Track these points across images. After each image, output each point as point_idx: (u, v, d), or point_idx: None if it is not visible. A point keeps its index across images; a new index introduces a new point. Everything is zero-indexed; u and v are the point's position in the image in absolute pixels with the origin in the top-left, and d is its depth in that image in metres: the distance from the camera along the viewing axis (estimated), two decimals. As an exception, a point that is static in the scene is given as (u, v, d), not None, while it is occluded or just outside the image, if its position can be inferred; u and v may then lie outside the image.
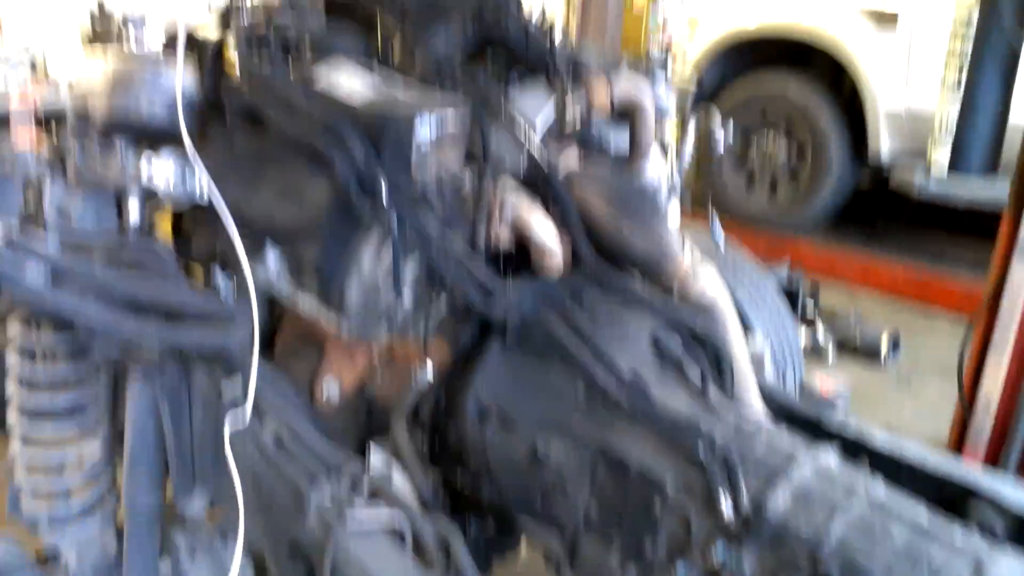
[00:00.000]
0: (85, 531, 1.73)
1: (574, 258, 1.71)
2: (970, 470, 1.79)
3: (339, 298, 1.55)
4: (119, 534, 1.77)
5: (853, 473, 1.51)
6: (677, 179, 1.98)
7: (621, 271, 1.83)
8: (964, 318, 4.89)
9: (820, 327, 4.46)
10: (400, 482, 1.68)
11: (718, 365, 1.78)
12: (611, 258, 1.75)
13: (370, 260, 1.53)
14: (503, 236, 1.64)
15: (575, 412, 1.62)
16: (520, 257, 1.72)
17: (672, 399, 1.62)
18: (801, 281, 4.46)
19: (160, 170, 1.45)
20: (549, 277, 1.70)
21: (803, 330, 4.43)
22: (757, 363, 2.14)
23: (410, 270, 1.57)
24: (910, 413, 3.91)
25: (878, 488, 1.48)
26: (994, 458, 2.88)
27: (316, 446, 1.55)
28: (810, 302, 4.58)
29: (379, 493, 1.49)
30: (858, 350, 4.41)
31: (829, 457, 1.54)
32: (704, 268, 1.88)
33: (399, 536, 1.45)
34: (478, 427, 1.68)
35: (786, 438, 1.58)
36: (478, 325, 1.72)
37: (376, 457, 1.77)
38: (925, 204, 5.61)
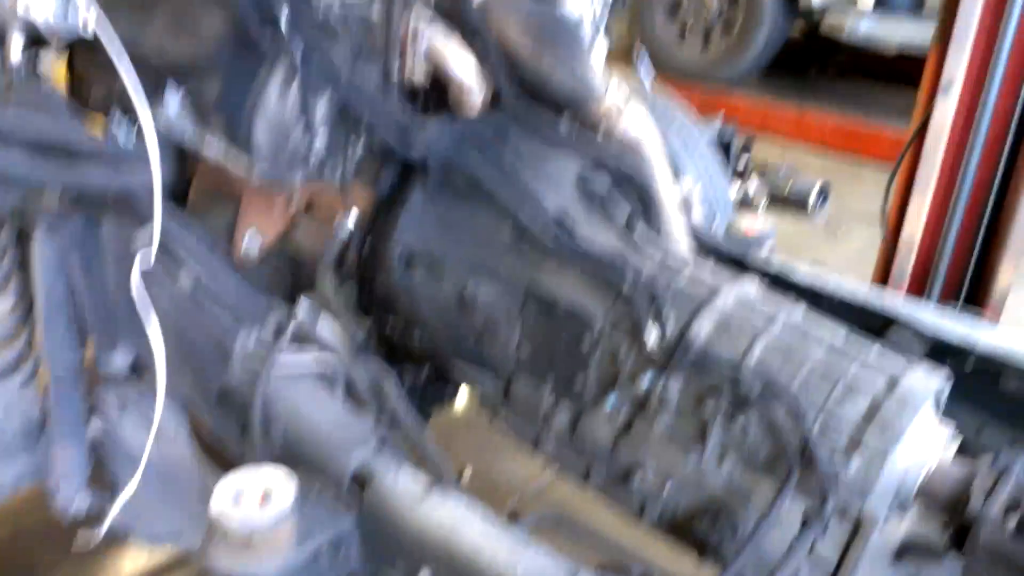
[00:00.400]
0: (4, 394, 1.68)
1: (494, 95, 1.65)
2: (890, 298, 1.84)
3: (247, 139, 1.48)
4: (46, 391, 1.74)
5: (774, 301, 1.54)
6: (602, 14, 1.90)
7: (544, 109, 1.78)
8: (892, 167, 5.02)
9: (752, 180, 4.49)
10: (330, 326, 1.66)
11: (645, 205, 1.77)
12: (533, 95, 1.69)
13: (276, 97, 1.45)
14: (418, 71, 1.57)
15: (502, 254, 1.60)
16: (437, 95, 1.65)
17: (599, 237, 1.61)
18: (734, 134, 4.45)
19: (40, 2, 1.33)
20: (469, 115, 1.64)
21: (735, 184, 4.46)
22: (686, 206, 2.13)
23: (321, 108, 1.50)
24: (836, 259, 4.02)
25: (797, 313, 1.51)
26: (917, 295, 2.98)
27: (237, 292, 1.51)
28: (743, 155, 4.59)
29: (307, 339, 1.47)
30: (788, 202, 4.46)
31: (751, 287, 1.57)
32: (630, 106, 1.84)
33: (330, 381, 1.44)
34: (405, 274, 1.65)
35: (710, 271, 1.59)
36: (399, 168, 1.67)
37: (303, 306, 1.75)
38: (855, 53, 5.60)
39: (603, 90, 1.74)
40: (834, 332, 1.47)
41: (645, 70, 2.23)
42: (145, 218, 1.48)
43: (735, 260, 1.97)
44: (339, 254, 1.75)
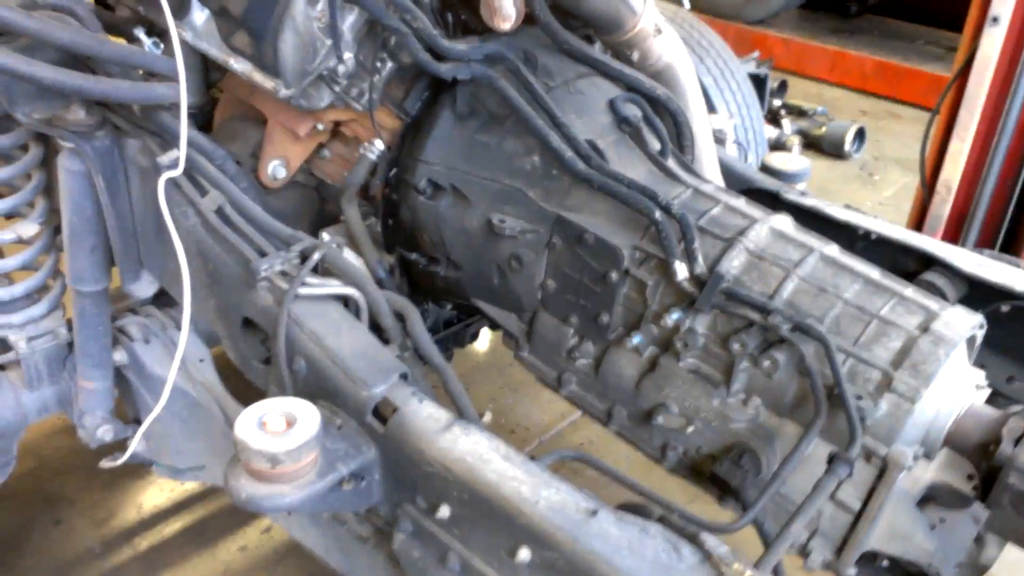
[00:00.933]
0: (32, 317, 1.69)
1: (527, 15, 1.59)
2: (926, 239, 1.79)
3: (273, 57, 1.44)
4: (69, 322, 1.74)
5: (808, 236, 1.50)
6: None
7: (577, 29, 1.72)
8: (930, 111, 4.88)
9: (786, 121, 4.39)
10: (354, 260, 1.64)
11: (677, 134, 1.72)
12: (567, 14, 1.63)
13: (304, 10, 1.41)
14: (449, -12, 1.52)
15: (530, 182, 1.56)
16: (468, 12, 1.60)
17: (630, 167, 1.57)
18: (768, 73, 4.33)
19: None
20: (500, 35, 1.59)
21: (769, 125, 4.36)
22: (719, 139, 2.08)
23: (349, 24, 1.45)
24: (871, 204, 3.94)
25: (832, 249, 1.47)
26: (952, 243, 2.91)
27: (262, 220, 1.49)
28: (778, 95, 4.48)
29: (332, 269, 1.45)
30: (823, 144, 4.37)
31: (785, 222, 1.52)
32: (666, 31, 1.77)
33: (353, 311, 1.42)
34: (431, 202, 1.63)
35: (743, 205, 1.55)
36: (427, 91, 1.62)
37: (328, 236, 1.73)
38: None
39: (639, 10, 1.68)
40: (868, 269, 1.43)
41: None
42: (170, 138, 1.45)
43: (768, 195, 1.92)
44: (365, 183, 1.72)
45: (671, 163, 1.62)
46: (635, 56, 1.75)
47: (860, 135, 4.36)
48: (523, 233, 1.57)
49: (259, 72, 1.48)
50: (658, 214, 1.44)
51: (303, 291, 1.38)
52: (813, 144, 4.41)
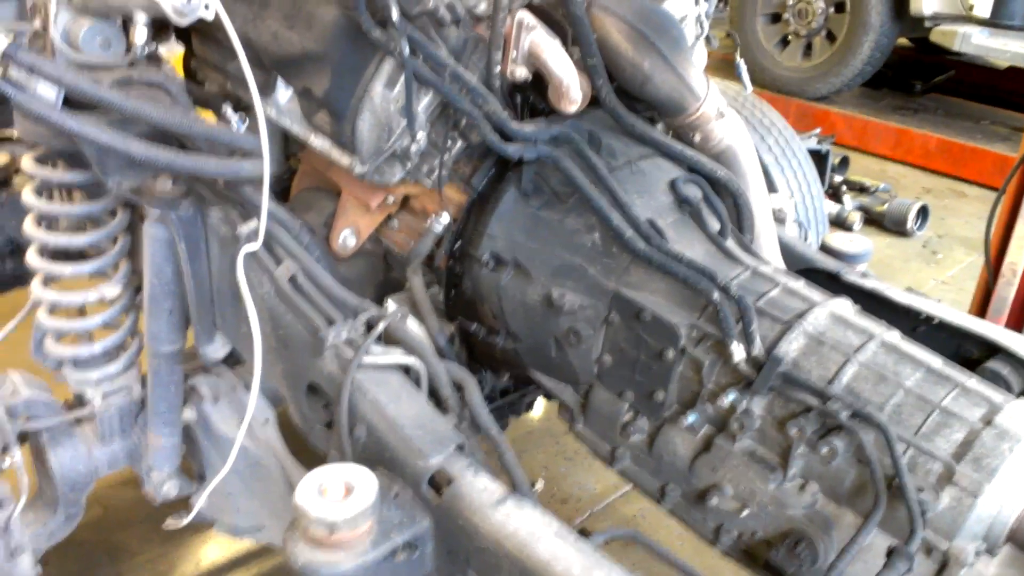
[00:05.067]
0: (109, 374, 1.77)
1: (592, 97, 1.65)
2: (991, 326, 1.76)
3: (351, 135, 1.51)
4: (143, 379, 1.81)
5: (869, 321, 1.50)
6: (704, 18, 1.88)
7: (641, 111, 1.77)
8: (994, 191, 4.82)
9: (847, 198, 4.38)
10: (416, 328, 1.69)
11: (737, 215, 1.75)
12: (631, 97, 1.69)
13: (382, 93, 1.48)
14: (519, 71, 1.58)
15: (591, 259, 1.60)
16: (537, 94, 1.67)
17: (689, 247, 1.60)
18: (830, 150, 4.34)
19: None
20: (566, 117, 1.64)
21: (829, 201, 4.35)
22: (778, 219, 2.10)
23: (423, 107, 1.53)
24: (933, 284, 3.88)
25: (893, 336, 1.46)
26: (1016, 329, 2.85)
27: (332, 289, 1.55)
28: (839, 171, 4.48)
29: (395, 338, 1.50)
30: (885, 221, 4.33)
31: (845, 306, 1.53)
32: (728, 113, 1.81)
33: (414, 380, 1.46)
34: (493, 275, 1.67)
35: (802, 288, 1.56)
36: (494, 168, 1.68)
37: (392, 306, 1.78)
38: (961, 69, 5.38)
39: (702, 95, 1.72)
40: (930, 357, 1.43)
41: (745, 77, 2.19)
42: (251, 209, 1.53)
43: (828, 276, 1.92)
44: (430, 254, 1.78)
45: (730, 243, 1.64)
46: (697, 138, 1.79)
47: (923, 213, 4.32)
48: (582, 308, 1.60)
49: (337, 149, 1.56)
50: (716, 294, 1.46)
51: (367, 360, 1.43)
52: (875, 221, 4.38)
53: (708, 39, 1.91)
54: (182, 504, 1.75)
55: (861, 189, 4.54)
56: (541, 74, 1.59)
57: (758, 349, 1.42)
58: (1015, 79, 5.54)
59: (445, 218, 1.72)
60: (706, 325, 1.49)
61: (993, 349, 1.67)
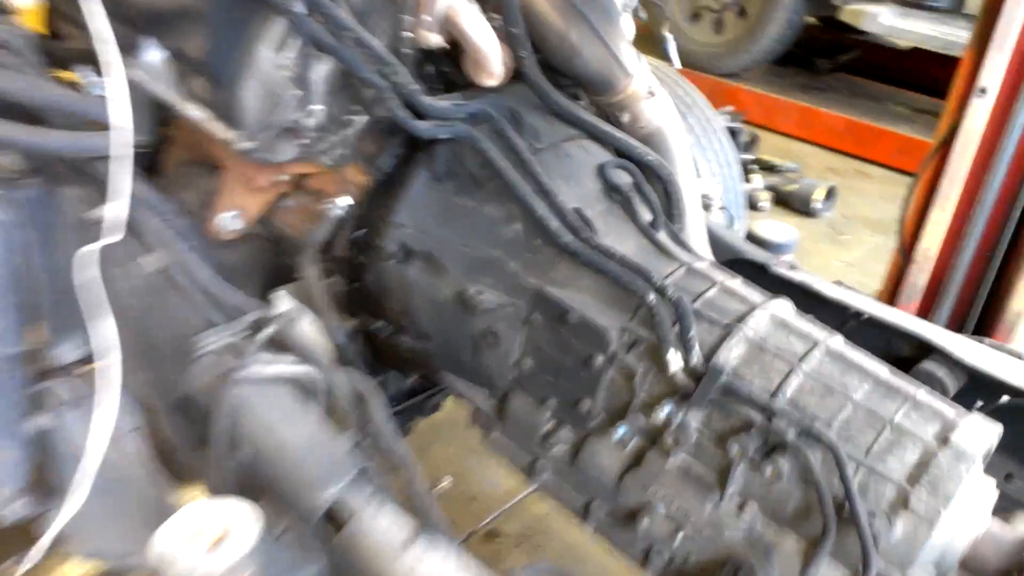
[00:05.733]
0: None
1: (516, 73, 1.47)
2: (922, 323, 1.70)
3: (233, 106, 1.29)
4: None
5: (811, 325, 1.38)
6: (631, -8, 1.72)
7: (566, 87, 1.60)
8: (898, 172, 4.91)
9: (757, 177, 4.34)
10: (311, 330, 1.49)
11: (668, 203, 1.61)
12: (557, 72, 1.52)
13: (271, 58, 1.26)
14: (432, 38, 1.38)
15: (511, 252, 1.43)
16: (451, 65, 1.47)
17: (619, 240, 1.45)
18: (742, 128, 4.29)
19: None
20: (484, 91, 1.46)
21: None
22: (705, 205, 1.97)
23: (320, 74, 1.31)
24: (839, 265, 3.88)
25: (837, 342, 1.35)
26: (925, 314, 2.84)
27: (210, 284, 1.33)
28: (748, 151, 4.44)
29: (285, 343, 1.29)
30: (793, 201, 4.32)
31: (786, 308, 1.41)
32: (659, 92, 1.67)
33: (308, 390, 1.26)
34: (401, 267, 1.48)
35: (740, 287, 1.43)
36: (402, 147, 1.49)
37: (283, 302, 1.57)
38: (867, 49, 5.43)
39: (632, 71, 1.58)
40: (877, 366, 1.32)
41: (673, 52, 2.04)
42: (112, 189, 1.29)
43: (756, 267, 1.82)
44: (328, 240, 1.57)
45: (663, 236, 1.50)
46: (625, 118, 1.64)
47: (831, 193, 4.32)
48: (500, 307, 1.43)
49: (216, 121, 1.33)
50: (652, 296, 1.31)
51: (250, 371, 1.22)
52: (783, 201, 4.36)
53: (636, 10, 1.75)
54: (35, 524, 1.51)
55: (770, 168, 4.52)
56: (457, 42, 1.39)
57: (696, 358, 1.29)
58: (919, 60, 5.63)
59: (346, 201, 1.52)
60: (639, 328, 1.35)
61: (924, 347, 1.61)
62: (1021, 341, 2.90)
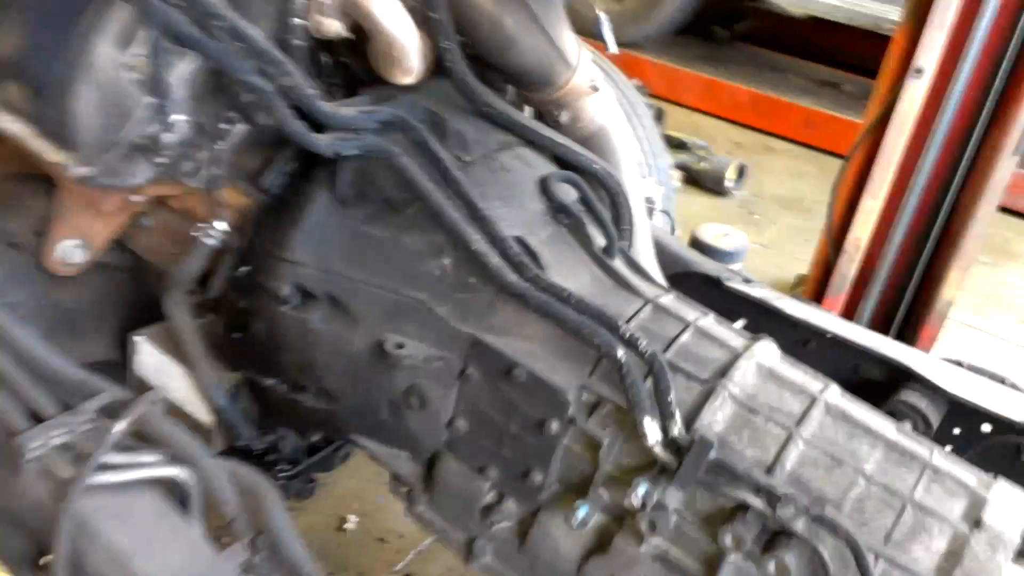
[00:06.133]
0: None
1: (437, 66, 1.18)
2: (894, 345, 1.54)
3: (62, 121, 0.95)
4: None
5: (803, 374, 1.16)
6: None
7: (495, 83, 1.33)
8: (804, 147, 4.83)
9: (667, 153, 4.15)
10: (183, 391, 1.18)
11: (616, 217, 1.36)
12: (487, 66, 1.24)
13: (110, 56, 0.93)
14: (330, 25, 1.07)
15: (438, 293, 1.15)
16: (354, 56, 1.16)
17: (571, 273, 1.19)
18: (650, 104, 4.08)
19: None
20: (399, 91, 1.16)
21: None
22: (647, 208, 1.74)
23: (182, 75, 0.98)
24: (756, 248, 3.74)
25: (834, 394, 1.14)
26: (855, 304, 2.72)
27: (41, 357, 0.99)
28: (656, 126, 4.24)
29: (144, 430, 0.97)
30: (704, 180, 4.16)
31: (771, 352, 1.18)
32: (602, 86, 1.41)
33: (179, 498, 0.95)
34: (298, 315, 1.17)
35: (715, 327, 1.20)
36: (294, 162, 1.17)
37: (146, 355, 1.24)
38: (764, 18, 5.32)
39: (574, 63, 1.31)
40: (881, 424, 1.11)
41: (608, 35, 1.77)
42: None
43: (708, 280, 1.62)
44: (199, 274, 1.25)
45: (619, 264, 1.25)
46: (563, 117, 1.38)
47: (742, 172, 4.19)
48: (427, 361, 1.15)
49: (42, 139, 0.98)
50: (620, 352, 1.06)
51: (97, 479, 0.90)
52: (693, 180, 4.19)
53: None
54: None
55: (679, 145, 4.34)
56: (363, 30, 1.09)
57: (678, 427, 1.04)
58: (815, 30, 5.56)
59: (221, 227, 1.20)
60: (600, 386, 1.10)
61: (896, 371, 1.45)
62: (950, 329, 2.83)
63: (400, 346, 1.13)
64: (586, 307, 1.10)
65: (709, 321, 1.20)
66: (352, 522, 2.13)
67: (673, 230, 1.95)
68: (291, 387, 1.24)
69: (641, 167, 2.17)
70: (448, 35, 1.12)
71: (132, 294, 1.41)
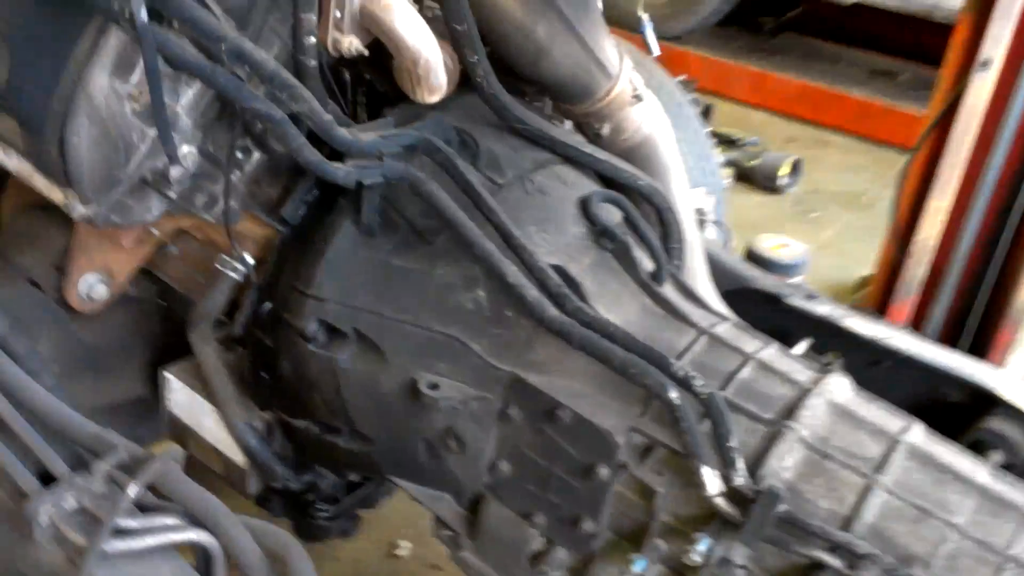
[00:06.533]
0: None
1: (464, 79, 1.09)
2: (975, 364, 1.42)
3: (59, 159, 0.88)
4: None
5: (881, 411, 1.05)
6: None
7: (530, 95, 1.24)
8: (858, 139, 4.65)
9: (717, 152, 4.01)
10: (215, 431, 1.11)
11: (664, 236, 1.26)
12: (519, 78, 1.15)
13: (106, 86, 0.86)
14: (347, 41, 0.99)
15: (473, 328, 1.06)
16: (375, 73, 1.08)
17: (616, 304, 1.09)
18: (698, 100, 3.95)
19: None
20: (425, 109, 1.07)
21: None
22: (699, 220, 1.63)
23: (188, 102, 0.91)
24: (814, 247, 3.59)
25: (917, 433, 1.02)
26: (924, 309, 2.56)
27: (54, 415, 0.92)
28: (705, 124, 4.11)
29: (164, 487, 0.90)
30: (756, 177, 4.01)
31: (844, 387, 1.07)
32: (646, 94, 1.31)
33: (202, 561, 0.88)
34: (324, 352, 1.10)
35: (778, 358, 1.09)
36: (316, 191, 1.10)
37: (177, 392, 1.18)
38: (810, 7, 5.14)
39: (614, 72, 1.22)
40: (972, 468, 0.99)
41: (650, 37, 1.66)
42: None
43: (767, 298, 1.50)
44: (224, 309, 1.18)
45: (669, 290, 1.14)
46: (605, 130, 1.28)
47: (796, 167, 4.02)
48: (464, 402, 1.06)
49: (42, 176, 0.92)
50: (673, 393, 0.96)
51: (116, 546, 0.83)
52: (745, 177, 4.04)
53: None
54: None
55: (729, 142, 4.19)
56: (383, 45, 1.00)
57: (740, 474, 0.94)
58: (861, 17, 5.34)
59: (243, 260, 1.12)
60: (653, 427, 1.00)
61: (979, 394, 1.33)
62: (1025, 338, 2.66)
63: (435, 386, 1.05)
64: (634, 343, 1.00)
65: (772, 352, 1.09)
66: (404, 548, 2.04)
67: (727, 241, 1.83)
68: (324, 429, 1.16)
69: (690, 174, 2.06)
70: (475, 47, 1.03)
71: (161, 325, 1.36)
